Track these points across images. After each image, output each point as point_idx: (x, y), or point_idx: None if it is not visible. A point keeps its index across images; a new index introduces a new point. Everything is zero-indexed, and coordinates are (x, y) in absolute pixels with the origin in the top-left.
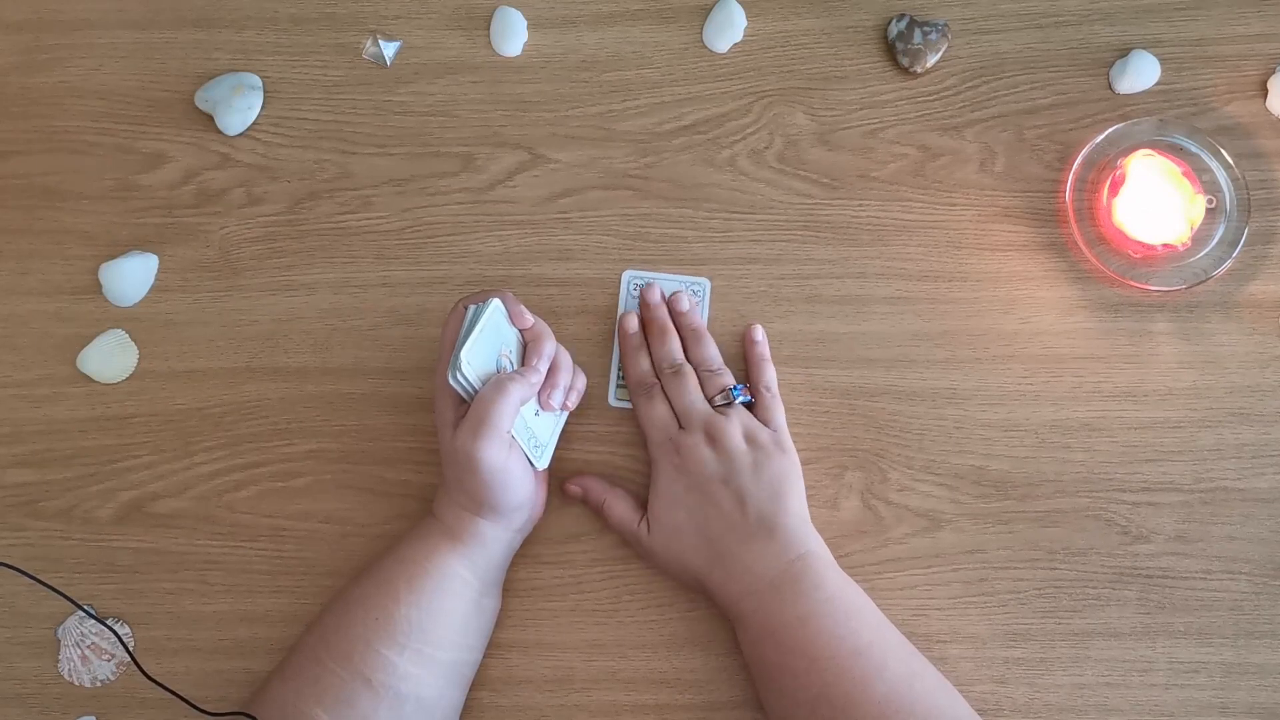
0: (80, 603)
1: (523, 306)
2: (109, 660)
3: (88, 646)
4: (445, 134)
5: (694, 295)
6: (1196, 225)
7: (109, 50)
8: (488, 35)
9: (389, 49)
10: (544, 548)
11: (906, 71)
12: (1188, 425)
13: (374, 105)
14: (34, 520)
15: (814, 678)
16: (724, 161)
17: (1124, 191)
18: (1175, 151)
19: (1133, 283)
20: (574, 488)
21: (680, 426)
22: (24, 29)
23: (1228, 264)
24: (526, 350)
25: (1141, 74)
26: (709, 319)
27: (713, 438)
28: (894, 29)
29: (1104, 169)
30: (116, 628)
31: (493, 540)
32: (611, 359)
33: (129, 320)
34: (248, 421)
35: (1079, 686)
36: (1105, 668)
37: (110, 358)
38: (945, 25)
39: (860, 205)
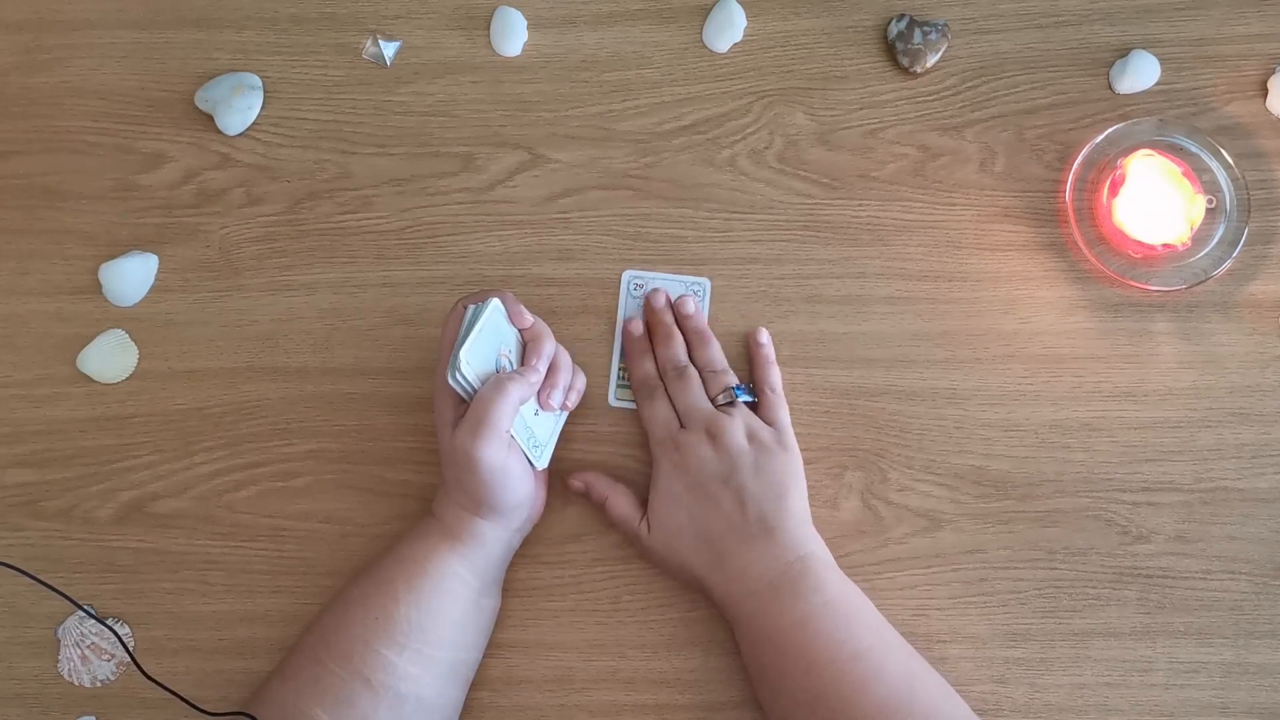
0: (80, 602)
1: (522, 306)
2: (109, 660)
3: (88, 646)
4: (445, 134)
5: (694, 295)
6: (1196, 225)
7: (109, 50)
8: (488, 35)
9: (389, 49)
10: (544, 548)
11: (906, 71)
12: (1188, 425)
13: (374, 105)
14: (34, 520)
15: (812, 680)
16: (724, 161)
17: (1124, 191)
18: (1175, 151)
19: (1133, 283)
20: (576, 482)
21: (682, 426)
22: (24, 29)
23: (1228, 264)
24: (526, 350)
25: (1141, 74)
26: (709, 319)
27: (713, 436)
28: (894, 29)
29: (1104, 169)
30: (116, 628)
31: (492, 540)
32: (612, 359)
33: (129, 320)
34: (248, 421)
35: (1079, 686)
36: (1105, 668)
37: (110, 358)
38: (945, 25)
39: (860, 205)
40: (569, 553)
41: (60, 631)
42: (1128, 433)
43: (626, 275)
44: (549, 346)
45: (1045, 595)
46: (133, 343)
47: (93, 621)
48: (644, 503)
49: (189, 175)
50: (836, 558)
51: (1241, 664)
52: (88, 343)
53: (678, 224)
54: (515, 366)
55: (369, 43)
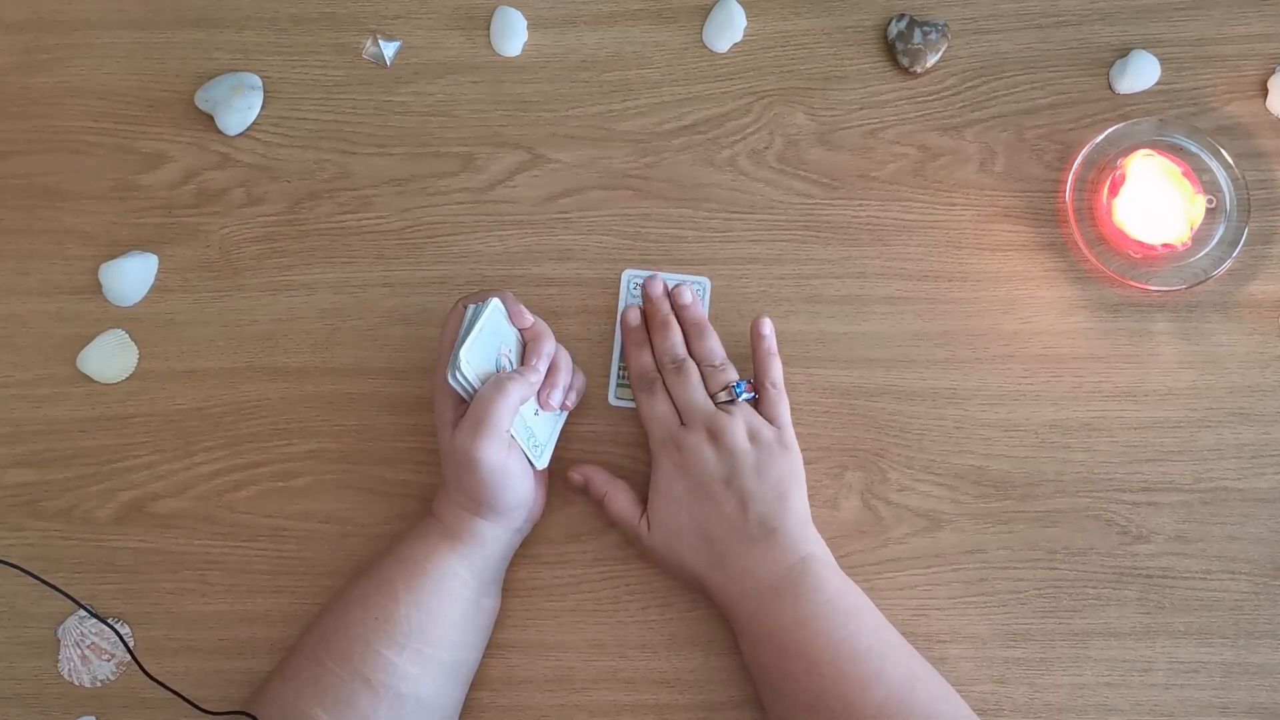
0: (81, 602)
1: (522, 306)
2: (109, 660)
3: (88, 646)
4: (445, 134)
5: (692, 287)
6: (1196, 225)
7: (109, 50)
8: (488, 35)
9: (389, 49)
10: (544, 548)
11: (906, 71)
12: (1188, 425)
13: (374, 105)
14: (34, 520)
15: (813, 681)
16: (724, 161)
17: (1124, 191)
18: (1175, 151)
19: (1133, 283)
20: (576, 476)
21: (682, 423)
22: (24, 29)
23: (1228, 264)
24: (526, 350)
25: (1141, 74)
26: (709, 319)
27: (714, 436)
28: (894, 29)
29: (1104, 169)
30: (117, 627)
31: (492, 540)
32: (612, 358)
33: (129, 320)
34: (248, 421)
35: (1079, 686)
36: (1105, 668)
37: (110, 358)
38: (945, 25)
39: (860, 205)
40: (569, 553)
41: (60, 631)
42: (1128, 433)
43: (626, 275)
44: (549, 346)
45: (1045, 595)
46: (133, 343)
47: (93, 621)
48: (643, 500)
49: (189, 175)
50: (837, 558)
51: (1241, 664)
52: (88, 343)
53: (678, 224)
54: (515, 366)
55: (369, 43)
